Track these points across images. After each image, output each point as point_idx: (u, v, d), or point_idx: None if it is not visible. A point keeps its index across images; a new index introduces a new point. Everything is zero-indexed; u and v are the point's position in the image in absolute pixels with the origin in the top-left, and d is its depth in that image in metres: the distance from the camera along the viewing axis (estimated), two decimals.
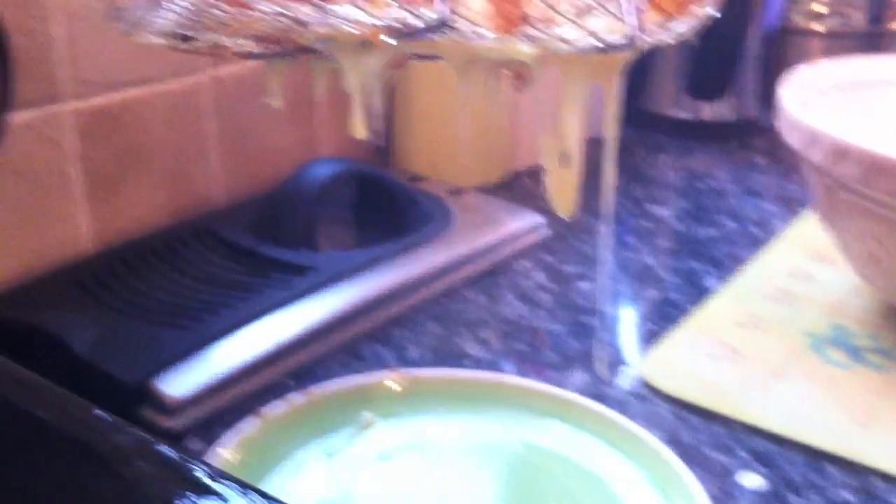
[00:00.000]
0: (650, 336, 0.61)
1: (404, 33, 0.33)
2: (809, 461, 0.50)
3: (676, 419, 0.53)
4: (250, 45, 0.37)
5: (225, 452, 0.45)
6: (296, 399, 0.49)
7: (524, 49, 0.36)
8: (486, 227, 0.71)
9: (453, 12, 0.33)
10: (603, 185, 0.45)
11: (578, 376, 0.57)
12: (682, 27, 0.38)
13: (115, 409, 0.50)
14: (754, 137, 0.98)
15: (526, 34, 0.35)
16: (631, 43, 0.35)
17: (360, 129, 0.40)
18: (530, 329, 0.62)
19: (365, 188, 0.71)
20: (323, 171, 0.66)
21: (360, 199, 0.72)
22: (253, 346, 0.54)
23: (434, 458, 0.48)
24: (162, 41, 0.38)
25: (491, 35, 0.34)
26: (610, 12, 0.35)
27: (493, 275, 0.68)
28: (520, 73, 0.42)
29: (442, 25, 0.32)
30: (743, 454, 0.50)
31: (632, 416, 0.52)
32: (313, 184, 0.65)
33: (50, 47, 0.60)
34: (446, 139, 0.81)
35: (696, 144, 0.96)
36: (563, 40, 0.35)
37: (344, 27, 0.34)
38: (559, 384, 0.55)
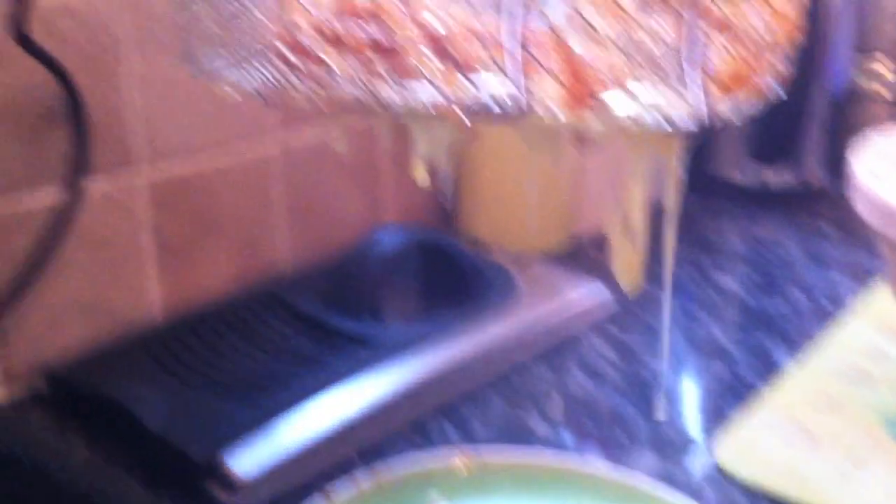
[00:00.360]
0: (719, 415, 0.60)
1: (480, 114, 0.34)
2: None
3: None
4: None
5: None
6: (363, 481, 0.48)
7: (593, 125, 0.36)
8: (552, 298, 0.70)
9: (528, 93, 0.33)
10: (664, 257, 0.44)
11: (648, 458, 0.55)
12: (745, 103, 0.38)
13: (183, 483, 0.51)
14: (820, 203, 0.97)
15: (594, 110, 0.35)
16: (695, 121, 0.35)
17: (420, 175, 0.41)
18: (598, 406, 0.61)
19: (430, 256, 0.71)
20: (388, 241, 0.66)
21: (425, 268, 0.72)
22: (319, 423, 0.54)
23: None
24: (232, 92, 0.39)
25: (562, 114, 0.34)
26: (675, 89, 0.35)
27: (558, 348, 0.67)
28: (583, 137, 0.42)
29: (517, 111, 0.32)
30: None
31: (704, 503, 0.51)
32: (379, 254, 0.66)
33: (124, 115, 0.61)
34: (512, 204, 0.81)
35: (761, 211, 0.95)
36: (630, 118, 0.35)
37: (421, 107, 0.34)
38: (628, 466, 0.54)
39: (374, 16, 0.33)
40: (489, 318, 0.66)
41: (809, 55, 0.93)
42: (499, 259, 0.75)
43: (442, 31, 0.32)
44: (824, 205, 0.97)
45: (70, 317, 0.60)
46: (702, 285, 0.78)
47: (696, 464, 0.55)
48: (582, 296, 0.71)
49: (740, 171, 0.98)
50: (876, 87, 1.04)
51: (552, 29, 0.33)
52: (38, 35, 0.55)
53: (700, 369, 0.67)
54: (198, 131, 0.65)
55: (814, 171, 0.98)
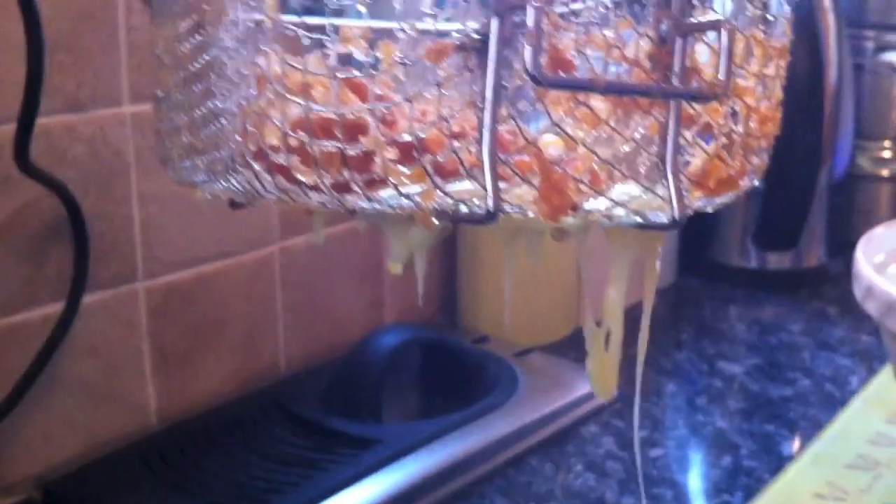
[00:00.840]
0: None
1: (452, 219, 0.34)
2: None
3: None
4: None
5: None
6: None
7: (569, 222, 0.36)
8: (553, 391, 0.70)
9: (502, 201, 0.33)
10: (638, 358, 0.43)
11: None
12: (726, 199, 0.38)
13: None
14: (824, 285, 0.97)
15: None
16: (673, 224, 0.35)
17: (396, 269, 0.41)
18: (600, 501, 0.60)
19: (430, 355, 0.71)
20: (388, 342, 0.67)
21: (426, 366, 0.72)
22: None
23: None
24: (208, 197, 0.39)
25: (538, 220, 0.34)
26: (651, 189, 0.35)
27: (560, 442, 0.67)
28: (561, 230, 0.42)
29: (492, 218, 0.32)
30: None
31: None
32: (379, 354, 0.66)
33: (125, 229, 0.62)
34: (514, 297, 0.81)
35: (764, 294, 0.95)
36: (607, 216, 0.35)
37: (390, 212, 0.34)
38: None
39: (342, 126, 0.33)
40: (489, 414, 0.66)
41: (814, 140, 0.94)
42: (500, 353, 0.74)
43: (412, 139, 0.33)
44: (828, 286, 0.97)
45: (66, 427, 0.60)
46: (707, 374, 0.78)
47: None
48: (583, 387, 0.70)
49: (742, 255, 0.98)
50: (879, 170, 1.05)
51: (528, 136, 0.33)
52: (43, 155, 0.56)
53: (705, 460, 0.66)
54: (198, 241, 0.66)
55: (817, 253, 0.98)
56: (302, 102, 0.33)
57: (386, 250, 0.78)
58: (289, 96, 0.33)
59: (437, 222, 0.34)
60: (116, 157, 0.61)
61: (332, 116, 0.33)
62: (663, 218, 0.35)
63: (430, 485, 0.59)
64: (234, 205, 0.40)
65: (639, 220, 0.35)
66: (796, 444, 0.67)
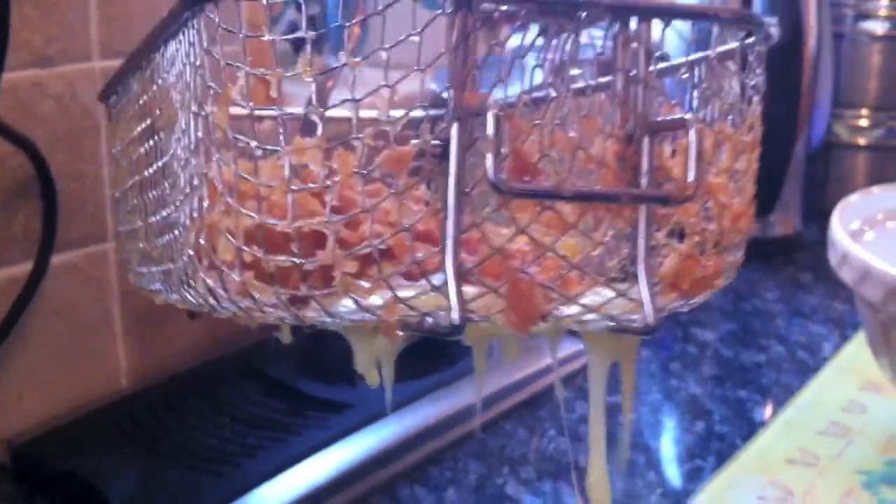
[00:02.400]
0: (698, 474, 0.59)
1: (417, 330, 0.32)
2: None
3: None
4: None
5: None
6: None
7: (543, 329, 0.34)
8: (527, 356, 0.69)
9: (468, 313, 0.30)
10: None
11: None
12: (700, 299, 0.37)
13: None
14: (799, 253, 0.97)
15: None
16: (647, 329, 0.33)
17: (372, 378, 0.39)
18: (573, 467, 0.60)
19: None
20: None
21: None
22: (286, 493, 0.53)
23: None
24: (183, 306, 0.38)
25: (506, 330, 0.33)
26: (628, 298, 0.33)
27: (534, 407, 0.67)
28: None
29: (457, 331, 0.31)
30: None
31: None
32: None
33: (97, 189, 0.61)
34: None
35: None
36: (580, 322, 0.34)
37: (351, 324, 0.33)
38: None
39: (300, 241, 0.31)
40: (462, 379, 0.65)
41: (791, 110, 0.93)
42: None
43: (373, 251, 0.31)
44: (803, 253, 0.97)
45: (36, 388, 0.59)
46: (680, 339, 0.78)
47: None
48: (557, 353, 0.70)
49: None
50: (856, 139, 1.05)
51: (490, 241, 0.31)
52: (10, 111, 0.55)
53: (678, 426, 0.66)
54: None
55: (793, 221, 0.98)
56: (255, 215, 0.31)
57: None
58: (242, 210, 0.32)
59: (401, 334, 0.33)
60: (86, 114, 0.60)
61: (287, 229, 0.31)
62: (635, 322, 0.33)
63: (403, 448, 0.59)
64: (192, 315, 0.39)
65: (611, 324, 0.33)
66: (769, 410, 0.67)
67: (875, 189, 0.69)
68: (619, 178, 0.33)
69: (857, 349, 0.74)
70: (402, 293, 0.31)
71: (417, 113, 0.32)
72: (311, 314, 0.32)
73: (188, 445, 0.56)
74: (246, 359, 0.66)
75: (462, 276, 0.30)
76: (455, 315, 0.30)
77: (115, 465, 0.54)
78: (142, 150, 0.39)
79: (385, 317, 0.31)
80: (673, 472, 0.60)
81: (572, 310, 0.33)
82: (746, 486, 0.57)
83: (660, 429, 0.65)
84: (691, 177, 0.32)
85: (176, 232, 0.34)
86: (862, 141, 1.05)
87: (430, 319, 0.31)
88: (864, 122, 1.05)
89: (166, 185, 0.36)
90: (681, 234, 0.35)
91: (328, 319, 0.32)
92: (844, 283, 0.58)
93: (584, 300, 0.32)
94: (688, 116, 0.33)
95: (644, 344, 0.77)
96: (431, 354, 0.69)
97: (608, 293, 0.33)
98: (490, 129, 0.29)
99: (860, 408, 0.66)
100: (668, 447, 0.63)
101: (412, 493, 0.57)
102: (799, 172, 0.97)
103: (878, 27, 1.03)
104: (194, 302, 0.34)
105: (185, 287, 0.34)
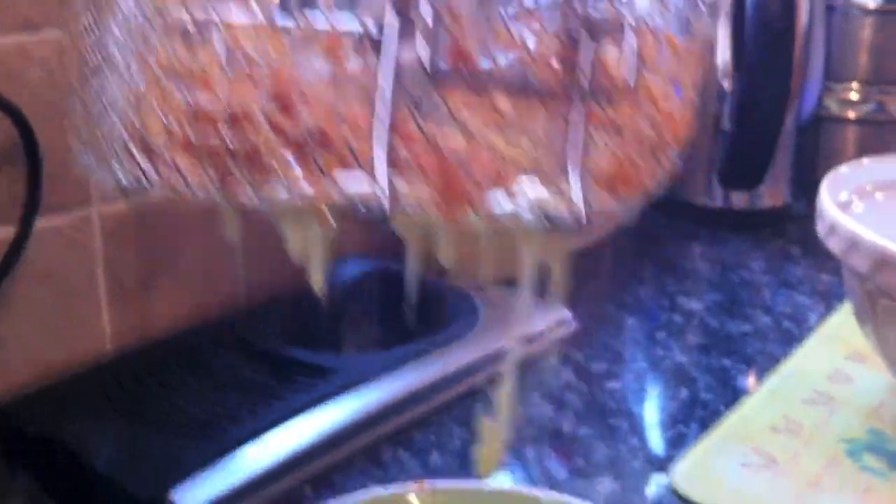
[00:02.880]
0: (681, 440, 0.59)
1: (349, 216, 0.32)
2: None
3: None
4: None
5: None
6: None
7: (472, 223, 0.34)
8: (511, 323, 0.69)
9: (398, 195, 0.31)
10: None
11: (606, 484, 0.55)
12: (629, 202, 0.37)
13: None
14: (787, 225, 0.97)
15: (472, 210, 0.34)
16: (578, 225, 0.33)
17: (318, 285, 0.40)
18: (557, 432, 0.60)
19: (391, 286, 0.71)
20: (348, 273, 0.66)
21: (387, 297, 0.72)
22: (270, 455, 0.53)
23: None
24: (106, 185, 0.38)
25: (435, 216, 0.33)
26: (556, 188, 0.33)
27: (519, 373, 0.67)
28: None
29: (388, 218, 0.31)
30: None
31: None
32: (339, 285, 0.65)
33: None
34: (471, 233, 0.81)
35: (728, 233, 0.95)
36: (509, 216, 0.34)
37: (282, 207, 0.33)
38: (586, 492, 0.54)
39: (229, 119, 0.31)
40: (448, 345, 0.65)
41: (782, 82, 0.93)
42: (461, 286, 0.74)
43: (303, 131, 0.31)
44: (791, 225, 0.97)
45: (19, 353, 0.59)
46: (667, 310, 0.78)
47: (654, 488, 0.55)
48: (543, 319, 0.70)
49: (707, 194, 0.98)
50: (846, 112, 1.05)
51: (424, 129, 0.31)
52: None
53: (662, 393, 0.66)
54: None
55: (782, 193, 0.98)
56: (186, 92, 0.32)
57: None
58: (172, 85, 0.32)
59: (333, 222, 0.33)
60: (67, 78, 0.59)
61: (218, 106, 0.31)
62: (568, 219, 0.33)
63: (387, 413, 0.59)
64: (125, 194, 0.39)
65: (544, 221, 0.33)
66: (753, 378, 0.67)
67: (865, 160, 0.69)
68: (559, 78, 0.33)
69: (843, 320, 0.74)
70: (335, 177, 0.31)
71: None
72: (241, 194, 0.32)
73: (172, 411, 0.56)
74: (232, 327, 0.66)
75: (391, 163, 0.30)
76: (384, 201, 0.30)
77: (99, 430, 0.54)
78: (87, 41, 0.39)
79: (315, 200, 0.31)
80: (656, 439, 0.60)
81: (504, 205, 0.33)
82: (730, 452, 0.57)
83: (644, 396, 0.66)
84: (630, 78, 0.32)
85: (113, 116, 0.34)
86: (852, 115, 1.05)
87: (359, 205, 0.31)
88: (854, 96, 1.04)
89: (107, 71, 0.36)
90: (613, 137, 0.35)
91: (258, 201, 0.32)
92: (832, 253, 0.58)
93: (517, 196, 0.33)
94: (630, 18, 0.32)
95: (631, 311, 0.77)
96: (417, 319, 0.69)
97: (541, 189, 0.33)
98: (427, 15, 0.30)
99: (845, 377, 0.66)
100: (651, 414, 0.64)
101: (396, 456, 0.57)
102: (789, 145, 0.97)
103: (869, 1, 1.02)
104: (123, 179, 0.34)
105: (117, 163, 0.34)
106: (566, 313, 0.72)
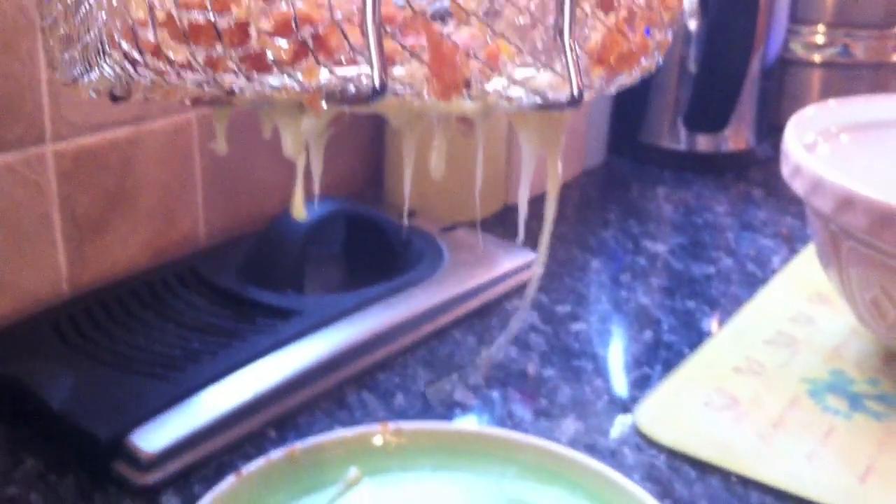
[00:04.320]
0: (645, 381, 0.59)
1: (341, 100, 0.32)
2: None
3: (671, 471, 0.51)
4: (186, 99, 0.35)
5: None
6: (276, 456, 0.47)
7: (467, 106, 0.34)
8: (478, 266, 0.69)
9: (391, 78, 0.30)
10: (538, 258, 0.43)
11: (570, 424, 0.55)
12: (627, 79, 0.37)
13: (90, 464, 0.49)
14: (751, 169, 0.97)
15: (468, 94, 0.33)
16: (573, 101, 0.33)
17: (299, 209, 0.39)
18: (522, 374, 0.60)
19: (355, 227, 0.70)
20: (312, 212, 0.65)
21: (350, 239, 0.71)
22: (233, 396, 0.52)
23: None
24: (95, 95, 0.37)
25: (430, 99, 0.32)
26: (550, 66, 0.33)
27: (484, 315, 0.67)
28: (465, 119, 0.40)
29: (379, 94, 0.30)
30: None
31: (626, 468, 0.51)
32: (301, 225, 0.64)
33: (34, 89, 0.59)
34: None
35: (692, 176, 0.95)
36: (506, 98, 0.33)
37: (275, 94, 0.32)
38: (551, 433, 0.54)
39: (218, 3, 0.30)
40: (413, 287, 0.65)
41: (748, 25, 0.92)
42: (426, 229, 0.73)
43: (293, 14, 0.30)
44: (755, 169, 0.97)
45: None
46: (631, 252, 0.78)
47: (618, 428, 0.55)
48: (509, 262, 0.70)
49: (672, 137, 0.98)
50: (811, 56, 1.04)
51: (416, 9, 0.31)
52: None
53: (626, 335, 0.66)
54: (110, 104, 0.63)
55: (746, 137, 0.98)
56: None
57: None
58: None
59: (325, 106, 0.32)
60: (21, 12, 0.57)
61: None
62: (562, 96, 0.33)
63: (351, 355, 0.58)
64: (114, 98, 0.37)
65: (538, 100, 0.33)
66: (717, 320, 0.67)
67: (831, 102, 0.69)
68: None
69: (806, 262, 0.74)
70: (322, 57, 0.30)
71: None
72: (230, 78, 0.31)
73: (131, 352, 0.55)
74: (191, 267, 0.65)
75: (382, 37, 0.30)
76: (376, 76, 0.29)
77: (55, 370, 0.52)
78: None
79: (305, 82, 0.31)
80: (620, 380, 0.60)
81: (498, 84, 0.32)
82: (693, 393, 0.58)
83: (608, 337, 0.66)
84: None
85: (96, 6, 0.33)
86: (817, 58, 1.05)
87: (352, 87, 0.30)
88: (819, 39, 1.04)
89: None
90: (606, 10, 0.35)
91: (246, 85, 0.31)
92: (796, 195, 0.58)
93: (510, 74, 0.32)
94: None
95: (595, 253, 0.77)
96: (382, 262, 0.68)
97: (534, 67, 0.32)
98: None
99: (807, 319, 0.67)
100: (616, 355, 0.64)
101: (360, 398, 0.57)
102: (754, 88, 0.97)
103: None
104: (111, 72, 0.33)
105: (102, 56, 0.32)
106: (531, 255, 0.71)
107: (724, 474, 0.51)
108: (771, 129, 0.99)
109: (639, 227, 0.83)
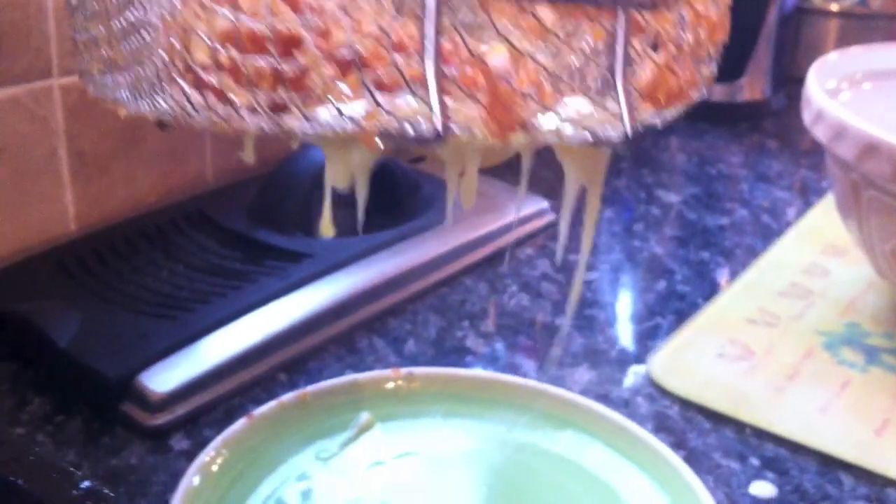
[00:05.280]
0: (658, 331, 0.59)
1: (398, 139, 0.31)
2: (822, 469, 0.48)
3: (685, 422, 0.51)
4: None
5: (214, 458, 0.42)
6: (287, 399, 0.46)
7: (517, 142, 0.33)
8: (489, 213, 0.68)
9: (447, 118, 0.30)
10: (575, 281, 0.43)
11: (583, 373, 0.54)
12: (674, 113, 0.36)
13: (97, 405, 0.48)
14: (766, 119, 0.96)
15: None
16: (625, 139, 0.33)
17: (327, 227, 0.39)
18: (534, 322, 0.59)
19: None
20: (320, 155, 0.63)
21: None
22: (243, 339, 0.52)
23: (433, 464, 0.46)
24: (132, 114, 0.36)
25: (486, 138, 0.32)
26: (600, 103, 0.33)
27: (495, 263, 0.66)
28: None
29: (441, 139, 0.30)
30: (754, 461, 0.48)
31: (639, 418, 0.50)
32: (311, 166, 0.63)
33: (42, 20, 0.57)
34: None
35: (706, 126, 0.93)
36: (557, 134, 0.33)
37: (331, 133, 0.32)
38: (563, 382, 0.53)
39: (277, 42, 0.30)
40: (424, 233, 0.64)
41: None
42: (437, 172, 0.72)
43: (351, 55, 0.30)
44: (770, 120, 0.96)
45: None
46: (645, 202, 0.77)
47: (631, 378, 0.54)
48: (520, 209, 0.69)
49: None
50: (828, 5, 1.02)
51: (473, 50, 0.30)
52: None
53: (639, 285, 0.65)
54: None
55: (761, 87, 0.97)
56: (230, 14, 0.30)
57: None
58: (215, 7, 0.30)
59: (381, 145, 0.31)
60: None
61: (264, 29, 0.30)
62: (613, 133, 0.32)
63: (361, 299, 0.58)
64: (161, 126, 0.37)
65: (588, 137, 0.33)
66: (730, 271, 0.67)
67: (854, 48, 0.67)
68: None
69: (822, 214, 0.73)
70: (382, 100, 0.30)
71: None
72: (291, 121, 0.31)
73: (138, 291, 0.55)
74: (199, 207, 0.64)
75: (441, 81, 0.29)
76: (437, 120, 0.29)
77: (62, 309, 0.52)
78: None
79: (364, 124, 0.30)
80: (633, 330, 0.60)
81: (550, 122, 0.32)
82: (706, 343, 0.57)
83: (620, 287, 0.65)
84: None
85: (144, 34, 0.33)
86: (834, 7, 1.03)
87: (409, 128, 0.30)
88: None
89: None
90: (655, 48, 0.35)
91: (308, 126, 0.31)
92: (818, 140, 0.57)
93: (562, 112, 0.32)
94: None
95: (608, 203, 0.76)
96: (392, 208, 0.67)
97: (586, 105, 0.32)
98: None
99: (822, 271, 0.66)
100: (628, 305, 0.63)
101: (371, 343, 0.56)
102: (770, 37, 0.95)
103: None
104: (167, 109, 0.32)
105: (157, 92, 0.32)
106: (544, 204, 0.70)
107: (738, 425, 0.51)
108: (786, 79, 0.97)
109: (652, 177, 0.82)
